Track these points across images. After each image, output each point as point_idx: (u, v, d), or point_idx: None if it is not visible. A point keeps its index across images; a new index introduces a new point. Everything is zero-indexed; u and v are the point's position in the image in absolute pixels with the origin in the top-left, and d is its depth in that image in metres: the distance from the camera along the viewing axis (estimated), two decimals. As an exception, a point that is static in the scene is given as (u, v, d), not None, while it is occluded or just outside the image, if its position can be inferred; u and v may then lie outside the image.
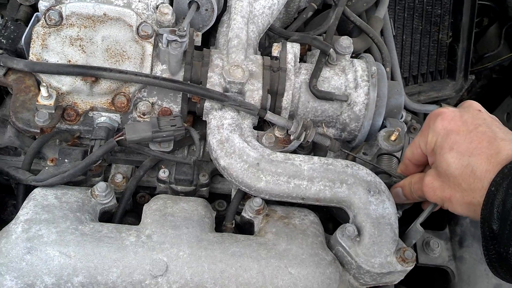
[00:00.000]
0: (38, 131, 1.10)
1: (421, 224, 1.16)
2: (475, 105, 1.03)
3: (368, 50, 1.47)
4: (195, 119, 1.28)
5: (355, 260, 1.09)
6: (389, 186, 1.19)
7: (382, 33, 1.53)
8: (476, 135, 0.95)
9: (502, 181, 0.86)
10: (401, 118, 1.46)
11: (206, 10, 1.28)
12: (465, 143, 0.95)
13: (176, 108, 1.21)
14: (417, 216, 1.19)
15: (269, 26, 1.34)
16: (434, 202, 1.04)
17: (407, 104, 1.56)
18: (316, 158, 1.15)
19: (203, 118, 1.21)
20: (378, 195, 1.12)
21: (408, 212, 1.22)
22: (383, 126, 1.27)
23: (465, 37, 1.74)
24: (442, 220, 1.38)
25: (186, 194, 1.23)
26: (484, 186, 0.90)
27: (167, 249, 1.03)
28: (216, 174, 1.28)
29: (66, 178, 1.09)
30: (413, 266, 1.10)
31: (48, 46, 1.13)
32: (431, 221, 1.25)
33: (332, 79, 1.25)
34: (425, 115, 1.68)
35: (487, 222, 0.87)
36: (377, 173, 1.21)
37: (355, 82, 1.23)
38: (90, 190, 1.11)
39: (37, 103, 1.09)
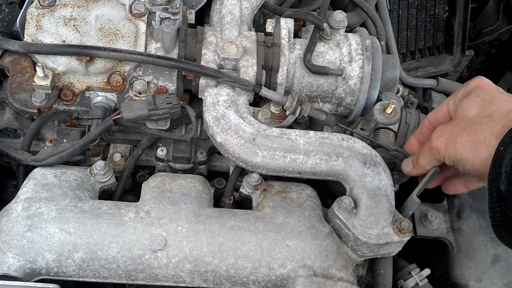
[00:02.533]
0: (36, 111, 1.11)
1: (419, 197, 1.16)
2: None
3: (362, 25, 1.47)
4: (191, 97, 1.28)
5: (352, 231, 1.10)
6: (386, 160, 1.19)
7: (376, 7, 1.52)
8: (504, 94, 0.99)
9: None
10: (398, 92, 1.47)
11: (199, -13, 1.28)
12: (491, 96, 0.98)
13: (171, 86, 1.22)
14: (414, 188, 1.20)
15: (263, 2, 1.34)
16: (437, 147, 1.03)
17: (404, 79, 1.55)
18: (311, 132, 1.16)
19: (199, 96, 1.22)
20: (374, 167, 1.13)
21: (406, 186, 1.23)
22: (378, 99, 1.27)
23: (461, 11, 1.73)
24: (440, 192, 1.38)
25: (185, 172, 1.24)
26: (496, 127, 0.92)
27: (166, 224, 1.04)
28: (214, 151, 1.29)
29: (64, 158, 1.11)
30: (410, 237, 1.11)
31: (42, 27, 1.14)
32: (429, 194, 1.26)
33: (327, 54, 1.25)
34: (423, 89, 1.68)
35: (495, 182, 0.86)
36: (374, 147, 1.22)
37: (350, 56, 1.24)
38: (89, 168, 1.12)
39: (33, 83, 1.10)
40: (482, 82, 1.05)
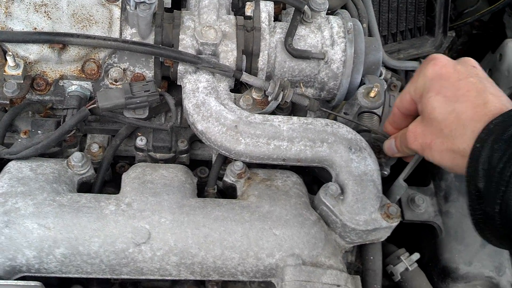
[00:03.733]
0: (8, 102, 1.06)
1: (405, 181, 1.15)
2: (471, 61, 1.00)
3: (344, 7, 1.44)
4: (170, 84, 1.24)
5: (340, 218, 1.08)
6: (371, 143, 1.17)
7: (358, -11, 1.49)
8: (466, 84, 0.93)
9: (488, 137, 0.83)
10: (381, 75, 1.45)
11: (176, -29, 1.24)
12: (453, 89, 0.93)
13: (149, 73, 1.18)
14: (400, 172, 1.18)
15: (241, -15, 1.31)
16: (415, 149, 1.01)
17: (386, 61, 1.53)
18: (295, 118, 1.13)
19: (178, 83, 1.18)
20: (359, 152, 1.11)
21: (393, 169, 1.21)
22: (362, 83, 1.24)
23: (442, -8, 1.71)
24: (426, 176, 1.37)
25: (166, 161, 1.21)
26: (466, 133, 0.88)
27: (148, 216, 1.01)
28: (195, 140, 1.26)
29: (40, 150, 1.06)
30: (398, 222, 1.10)
31: (12, 14, 1.08)
32: (415, 178, 1.24)
33: (308, 37, 1.22)
34: (406, 72, 1.66)
35: (473, 180, 0.84)
36: (359, 132, 1.19)
37: (332, 39, 1.21)
38: (66, 160, 1.08)
39: (4, 73, 1.05)
40: (438, 68, 0.97)
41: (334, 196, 1.09)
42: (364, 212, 1.08)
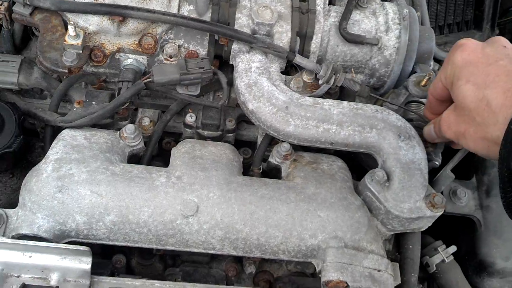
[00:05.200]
0: (66, 71, 1.09)
1: (449, 173, 1.15)
2: (501, 40, 0.97)
3: (397, -5, 1.43)
4: (221, 63, 1.25)
5: (384, 205, 1.08)
6: (418, 132, 1.17)
7: (411, -23, 1.48)
8: (495, 68, 0.90)
9: None
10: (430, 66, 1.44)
11: (234, -51, 1.24)
12: (482, 76, 0.91)
13: (202, 51, 1.19)
14: (446, 163, 1.18)
15: (297, -33, 1.30)
16: (449, 137, 1.00)
17: (436, 53, 1.52)
18: (345, 102, 1.13)
19: (230, 62, 1.19)
20: (408, 140, 1.11)
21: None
22: (412, 72, 1.24)
23: (494, -14, 1.70)
24: (469, 169, 1.36)
25: (213, 139, 1.22)
26: (499, 121, 0.86)
27: (197, 190, 1.03)
28: (242, 120, 1.27)
29: (94, 119, 1.08)
30: (442, 212, 1.09)
31: (74, -16, 1.11)
32: (458, 171, 1.24)
33: (362, 22, 1.22)
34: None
35: (506, 162, 0.82)
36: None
37: (386, 25, 1.20)
38: (118, 132, 1.10)
39: (64, 42, 1.07)
40: (466, 54, 0.95)
41: (380, 183, 1.09)
42: (409, 200, 1.08)
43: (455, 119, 0.97)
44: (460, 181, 1.33)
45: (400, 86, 1.30)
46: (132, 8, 1.09)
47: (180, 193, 1.02)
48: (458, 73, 0.95)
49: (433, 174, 1.17)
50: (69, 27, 1.06)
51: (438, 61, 1.55)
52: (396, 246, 1.21)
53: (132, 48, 1.13)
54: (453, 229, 1.37)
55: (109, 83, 1.22)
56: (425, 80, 1.17)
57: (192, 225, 1.01)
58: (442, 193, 1.29)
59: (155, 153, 1.24)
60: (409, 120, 1.21)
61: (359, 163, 1.27)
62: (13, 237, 0.96)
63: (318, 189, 1.08)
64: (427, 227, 1.14)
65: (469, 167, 1.36)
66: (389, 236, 1.16)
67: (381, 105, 1.25)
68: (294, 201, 1.05)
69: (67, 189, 0.99)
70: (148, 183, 1.02)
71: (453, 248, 1.26)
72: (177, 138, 1.27)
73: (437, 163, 1.14)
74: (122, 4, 1.11)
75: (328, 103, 1.12)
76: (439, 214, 1.10)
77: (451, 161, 1.14)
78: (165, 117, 1.18)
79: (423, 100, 1.30)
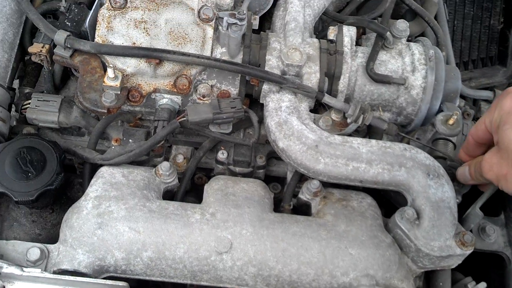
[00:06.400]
0: (105, 111, 1.13)
1: (478, 210, 1.16)
2: None
3: (421, 34, 1.47)
4: (251, 101, 1.29)
5: (414, 243, 1.09)
6: (446, 170, 1.19)
7: (435, 17, 1.51)
8: None
9: None
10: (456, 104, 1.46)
11: (264, -7, 1.29)
12: None
13: (234, 90, 1.23)
14: (474, 201, 1.19)
15: (324, 9, 1.35)
16: (489, 178, 1.03)
17: (461, 90, 1.54)
18: (373, 141, 1.16)
19: (260, 101, 1.23)
20: (437, 179, 1.12)
21: (465, 197, 1.22)
22: (439, 110, 1.26)
23: (517, 23, 1.72)
24: (497, 206, 1.37)
25: (244, 175, 1.25)
26: None
27: (231, 227, 1.06)
28: (271, 156, 1.30)
29: (132, 157, 1.13)
30: (472, 250, 1.10)
31: (113, 28, 1.16)
32: (486, 208, 1.25)
33: (389, 63, 1.25)
34: (474, 100, 1.66)
35: None
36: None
37: (413, 65, 1.23)
38: (154, 169, 1.14)
39: (103, 84, 1.12)
40: None
41: (410, 221, 1.11)
42: (439, 238, 1.09)
43: (497, 161, 1.01)
44: (488, 217, 1.34)
45: (427, 123, 1.32)
46: (168, 52, 1.13)
47: (214, 230, 1.05)
48: (505, 118, 0.99)
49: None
50: (108, 69, 1.10)
51: (464, 97, 1.57)
52: (427, 283, 1.22)
53: (167, 88, 1.18)
54: (483, 265, 1.37)
55: (144, 120, 1.27)
56: (452, 119, 1.19)
57: (226, 262, 1.03)
58: (471, 231, 1.30)
59: (188, 188, 1.27)
60: (437, 158, 1.23)
61: (388, 199, 1.29)
62: (54, 272, 1.00)
63: (348, 226, 1.10)
64: (457, 265, 1.15)
65: (497, 204, 1.36)
66: (420, 273, 1.17)
67: (408, 143, 1.28)
68: (325, 238, 1.07)
69: (107, 226, 1.02)
70: (183, 220, 1.05)
71: (483, 285, 1.26)
72: (208, 173, 1.30)
73: (457, 201, 1.15)
74: (158, 47, 1.15)
75: (357, 141, 1.14)
76: (469, 252, 1.11)
77: (479, 199, 1.16)
78: (198, 154, 1.22)
79: (451, 138, 1.32)
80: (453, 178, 1.20)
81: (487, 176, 1.03)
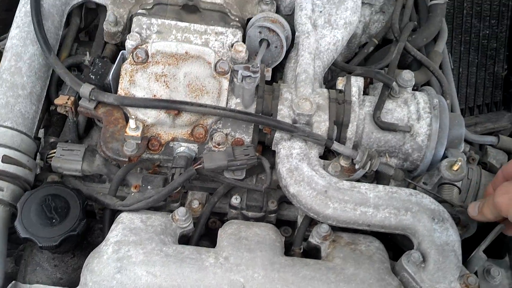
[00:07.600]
0: (126, 159, 1.20)
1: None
2: None
3: (427, 83, 1.53)
4: (264, 148, 1.36)
5: (420, 285, 1.13)
6: (451, 215, 1.23)
7: (440, 66, 1.58)
8: None
9: None
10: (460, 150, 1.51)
11: (276, 47, 1.38)
12: None
13: (247, 138, 1.30)
14: (478, 243, 1.23)
15: (333, 61, 1.42)
16: (500, 203, 1.07)
17: (466, 135, 1.59)
18: (381, 186, 1.21)
19: (272, 148, 1.29)
20: (442, 223, 1.16)
21: (469, 240, 1.26)
22: (444, 156, 1.32)
23: (520, 70, 1.78)
24: (501, 249, 1.40)
25: (256, 219, 1.30)
26: None
27: (243, 270, 1.10)
28: (283, 201, 1.35)
29: (150, 204, 1.18)
30: (476, 293, 1.14)
31: (135, 81, 1.24)
32: (491, 250, 1.28)
33: (395, 111, 1.31)
34: (480, 145, 1.71)
35: None
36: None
37: (418, 113, 1.29)
38: (171, 214, 1.19)
39: (125, 134, 1.18)
40: None
41: (416, 264, 1.15)
42: (444, 281, 1.13)
43: None
44: (493, 259, 1.37)
45: (433, 168, 1.37)
46: (187, 103, 1.21)
47: (227, 274, 1.09)
48: None
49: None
50: (130, 120, 1.18)
51: (469, 143, 1.62)
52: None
53: (185, 137, 1.25)
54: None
55: (162, 167, 1.33)
56: (456, 165, 1.24)
57: (238, 304, 1.08)
58: (476, 273, 1.33)
59: (203, 233, 1.32)
60: (441, 202, 1.27)
61: (395, 242, 1.33)
62: (77, 315, 1.05)
63: (357, 270, 1.14)
64: (462, 307, 1.18)
65: (501, 247, 1.39)
66: (426, 315, 1.20)
67: (415, 188, 1.33)
68: (334, 281, 1.11)
69: (125, 270, 1.07)
70: (198, 264, 1.10)
71: (487, 327, 1.28)
72: (221, 217, 1.36)
73: None
74: (177, 99, 1.23)
75: (364, 187, 1.20)
76: (473, 294, 1.14)
77: (483, 243, 1.19)
78: (213, 200, 1.28)
79: (456, 183, 1.36)
80: (458, 222, 1.24)
81: (498, 199, 1.07)
